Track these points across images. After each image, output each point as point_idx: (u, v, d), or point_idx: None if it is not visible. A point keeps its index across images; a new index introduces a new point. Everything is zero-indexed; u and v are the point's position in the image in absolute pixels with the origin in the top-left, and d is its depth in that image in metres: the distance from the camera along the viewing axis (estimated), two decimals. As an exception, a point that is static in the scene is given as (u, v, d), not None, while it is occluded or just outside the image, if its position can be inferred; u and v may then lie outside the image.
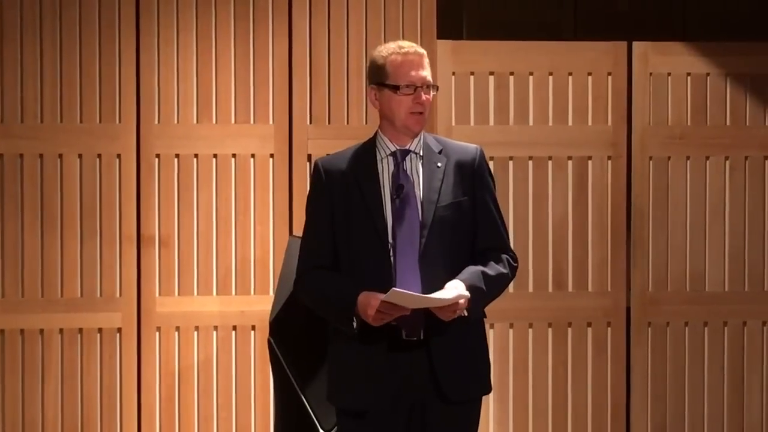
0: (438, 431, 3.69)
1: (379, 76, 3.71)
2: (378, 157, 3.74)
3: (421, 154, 3.74)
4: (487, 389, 3.81)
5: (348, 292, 3.64)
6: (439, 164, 3.72)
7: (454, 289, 3.59)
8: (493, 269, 3.71)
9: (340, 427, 3.79)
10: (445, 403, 3.66)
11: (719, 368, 5.48)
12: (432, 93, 3.74)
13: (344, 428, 3.76)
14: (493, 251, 3.75)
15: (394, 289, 3.51)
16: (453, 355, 3.67)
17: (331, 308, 3.71)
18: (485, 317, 3.82)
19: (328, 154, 3.87)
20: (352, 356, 3.69)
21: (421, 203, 3.68)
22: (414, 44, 3.76)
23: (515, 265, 3.80)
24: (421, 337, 3.65)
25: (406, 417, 3.68)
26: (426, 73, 3.71)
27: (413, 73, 3.69)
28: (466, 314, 3.62)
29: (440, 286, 3.61)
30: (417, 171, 3.73)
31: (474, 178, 3.74)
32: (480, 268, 3.69)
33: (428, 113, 3.75)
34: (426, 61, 3.73)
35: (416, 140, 3.75)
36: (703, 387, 5.48)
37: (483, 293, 3.67)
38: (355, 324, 3.62)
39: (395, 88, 3.68)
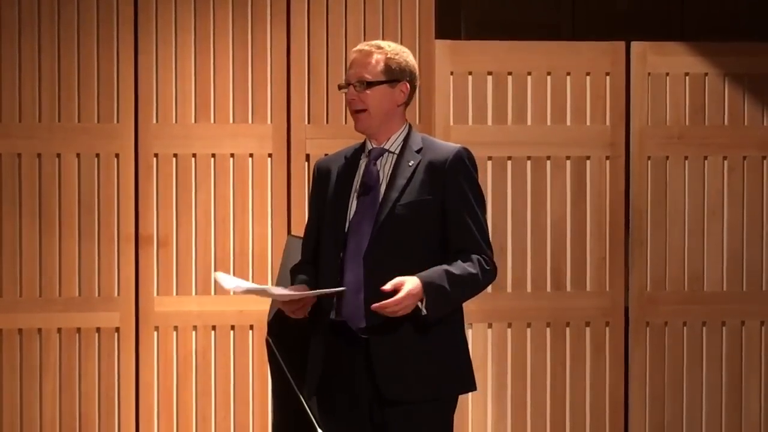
0: (396, 430, 3.63)
1: None
2: (361, 157, 3.77)
3: (397, 153, 3.73)
4: (446, 390, 3.68)
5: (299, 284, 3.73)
6: (411, 163, 3.70)
7: (400, 284, 3.52)
8: (459, 269, 3.62)
9: (319, 420, 3.84)
10: (391, 403, 3.61)
11: (717, 368, 5.50)
12: (367, 90, 3.68)
13: (320, 421, 3.80)
14: (463, 253, 3.67)
15: (218, 278, 3.67)
16: (396, 353, 3.61)
17: None
18: (462, 317, 3.74)
19: (307, 155, 3.91)
20: (314, 350, 3.72)
21: (381, 201, 3.67)
22: (372, 43, 3.76)
23: (488, 268, 3.68)
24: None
25: (368, 413, 3.65)
26: (363, 69, 3.70)
27: (350, 71, 3.73)
28: (425, 312, 3.56)
29: (383, 284, 3.55)
30: (389, 169, 3.72)
31: (444, 178, 3.68)
32: (444, 266, 3.61)
33: (376, 110, 3.70)
34: (373, 58, 3.70)
35: (393, 139, 3.74)
36: (701, 386, 5.50)
37: (444, 292, 3.58)
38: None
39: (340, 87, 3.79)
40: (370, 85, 3.69)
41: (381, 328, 3.59)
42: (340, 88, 3.78)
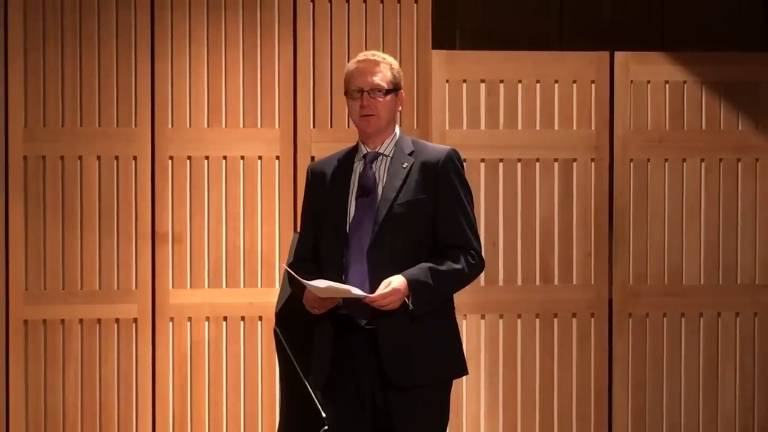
0: (400, 416, 3.73)
1: (344, 85, 3.87)
2: (355, 160, 3.85)
3: (391, 156, 3.82)
4: (447, 375, 3.81)
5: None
6: (405, 165, 3.78)
7: (387, 284, 3.65)
8: (445, 265, 3.73)
9: (323, 408, 3.95)
10: (399, 389, 3.70)
11: (695, 356, 5.55)
12: (385, 97, 3.78)
13: (324, 409, 3.93)
14: (452, 248, 3.77)
15: (287, 268, 3.66)
16: (401, 342, 3.71)
17: (299, 298, 3.86)
18: (453, 307, 3.86)
19: (312, 157, 3.92)
20: (320, 342, 3.81)
21: (379, 201, 3.76)
22: (375, 53, 3.85)
23: (474, 262, 3.78)
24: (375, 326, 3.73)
25: (372, 401, 3.75)
26: (376, 77, 3.77)
27: (360, 78, 3.78)
28: (411, 307, 3.69)
29: (387, 277, 3.68)
30: (384, 171, 3.80)
31: (437, 178, 3.77)
32: (429, 263, 3.72)
33: (384, 116, 3.79)
34: (381, 67, 3.79)
35: (387, 143, 3.83)
36: (680, 374, 5.56)
37: (429, 288, 3.70)
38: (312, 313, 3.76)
39: (347, 94, 3.83)
40: (387, 92, 3.80)
41: (384, 320, 3.71)
42: (348, 94, 3.81)
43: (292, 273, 3.73)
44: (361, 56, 3.86)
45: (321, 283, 3.67)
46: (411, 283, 3.70)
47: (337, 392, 3.80)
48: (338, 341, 3.77)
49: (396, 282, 3.68)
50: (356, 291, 3.67)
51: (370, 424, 3.78)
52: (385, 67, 3.82)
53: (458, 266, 3.77)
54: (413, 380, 3.74)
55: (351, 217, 3.79)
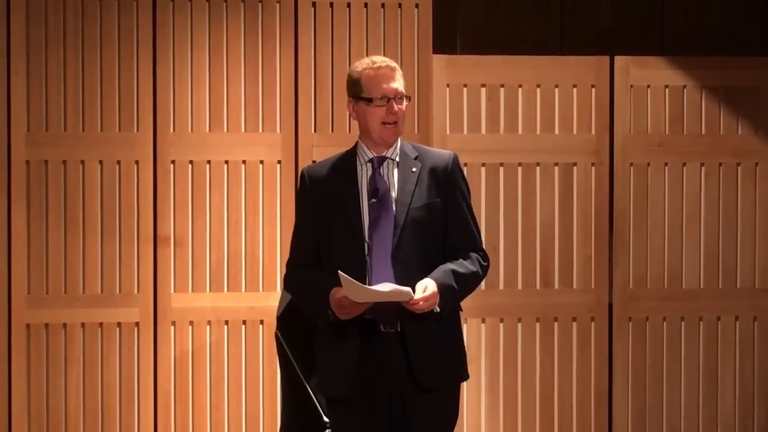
0: (417, 418, 3.77)
1: (355, 89, 3.82)
2: (358, 164, 3.84)
3: (397, 160, 3.83)
4: (463, 376, 3.88)
5: (323, 288, 3.75)
6: (413, 169, 3.81)
7: (424, 287, 3.68)
8: (464, 267, 3.79)
9: (329, 415, 3.94)
10: (422, 391, 3.74)
11: (695, 360, 5.58)
12: (405, 103, 3.79)
13: (332, 416, 3.90)
14: (463, 250, 3.83)
15: (342, 274, 3.58)
16: (427, 345, 3.75)
17: (310, 304, 3.87)
18: (461, 310, 3.90)
19: (314, 161, 3.94)
20: (334, 348, 3.80)
21: (395, 205, 3.78)
22: (387, 59, 3.84)
23: (485, 264, 3.87)
24: (398, 329, 3.75)
25: (387, 406, 3.77)
26: (397, 85, 3.78)
27: (385, 85, 3.77)
28: (438, 310, 3.72)
29: (413, 281, 3.70)
30: (393, 176, 3.82)
31: (447, 182, 3.82)
32: (451, 266, 3.77)
33: (403, 123, 3.82)
34: (398, 74, 3.80)
35: (393, 147, 3.83)
36: (680, 378, 5.58)
37: (454, 291, 3.75)
38: (330, 317, 3.75)
39: (369, 101, 3.78)
40: (408, 99, 3.83)
41: (412, 323, 3.75)
42: (372, 101, 3.78)
43: (352, 280, 3.64)
44: (378, 61, 3.84)
45: (385, 287, 3.66)
46: (440, 286, 3.73)
47: (351, 396, 3.79)
48: (364, 347, 3.78)
49: (432, 285, 3.72)
50: (412, 293, 3.68)
51: (383, 427, 3.80)
52: (400, 74, 3.84)
53: (474, 268, 3.84)
54: (438, 381, 3.79)
55: (366, 221, 3.79)
